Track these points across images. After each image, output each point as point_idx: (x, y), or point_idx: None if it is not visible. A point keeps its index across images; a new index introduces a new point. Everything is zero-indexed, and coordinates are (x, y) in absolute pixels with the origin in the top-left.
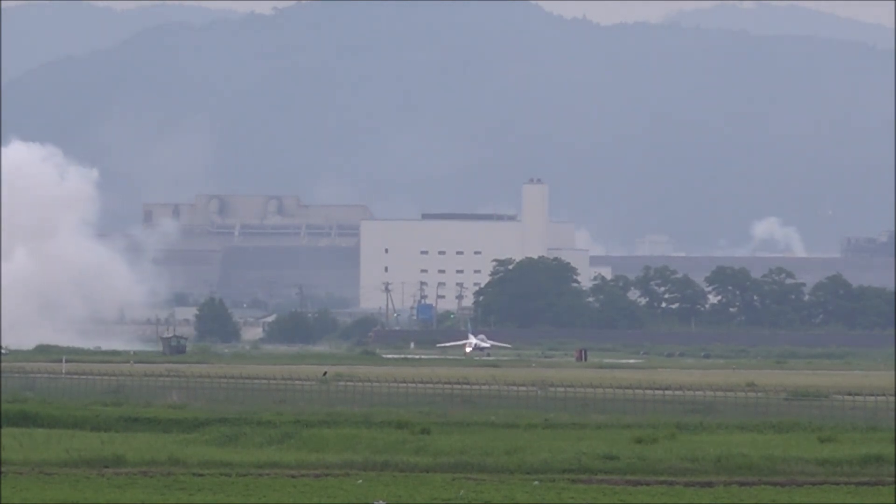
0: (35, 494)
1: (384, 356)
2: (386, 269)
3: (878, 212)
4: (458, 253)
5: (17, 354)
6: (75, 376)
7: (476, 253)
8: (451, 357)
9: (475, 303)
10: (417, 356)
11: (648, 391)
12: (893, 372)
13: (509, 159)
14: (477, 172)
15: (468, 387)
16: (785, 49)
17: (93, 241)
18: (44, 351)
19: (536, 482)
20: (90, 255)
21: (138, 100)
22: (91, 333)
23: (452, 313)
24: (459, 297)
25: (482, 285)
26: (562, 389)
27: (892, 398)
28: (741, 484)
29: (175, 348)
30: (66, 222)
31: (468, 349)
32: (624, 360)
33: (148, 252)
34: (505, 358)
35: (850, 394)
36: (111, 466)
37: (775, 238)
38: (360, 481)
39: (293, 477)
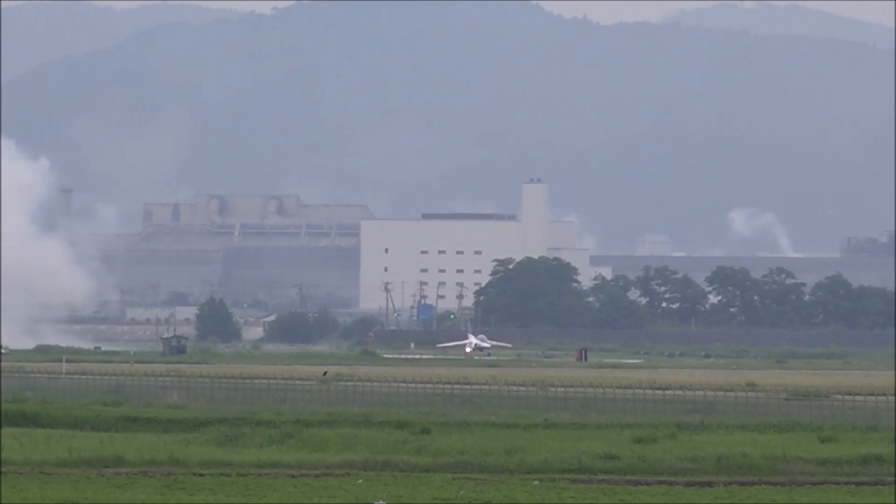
0: (35, 494)
1: (384, 356)
2: (386, 269)
3: (878, 212)
4: (458, 253)
5: (17, 354)
6: (75, 376)
7: (476, 253)
8: (451, 357)
9: (475, 303)
10: (417, 356)
11: (648, 391)
12: (893, 372)
13: (509, 159)
14: (477, 172)
15: (468, 387)
16: (785, 49)
17: (35, 235)
18: (44, 351)
19: (536, 482)
20: (33, 250)
21: (137, 99)
22: (35, 332)
23: (453, 313)
24: (459, 297)
25: (482, 285)
26: (562, 389)
27: (892, 398)
28: (741, 484)
29: (175, 348)
30: (8, 214)
31: (468, 349)
32: (624, 360)
33: (85, 248)
34: (505, 358)
35: (850, 394)
36: (111, 466)
37: (767, 233)
38: (360, 481)
39: (293, 477)
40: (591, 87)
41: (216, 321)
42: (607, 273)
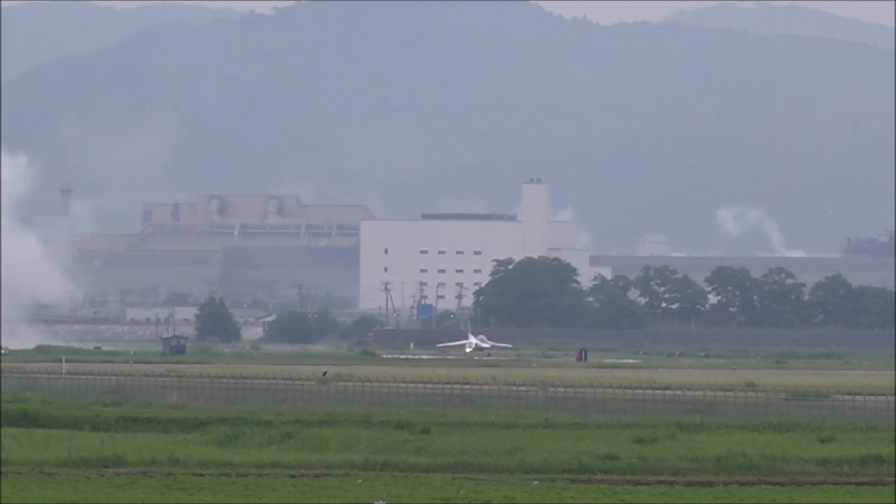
0: (35, 494)
1: (384, 356)
2: (386, 269)
3: (878, 212)
4: (458, 253)
5: (17, 354)
6: (75, 376)
7: (476, 253)
8: (451, 357)
9: (475, 303)
10: (417, 356)
11: (648, 391)
12: (893, 372)
13: (508, 159)
14: (477, 172)
15: (468, 387)
16: (785, 49)
17: (31, 234)
18: (44, 351)
19: (536, 482)
20: (28, 249)
21: (137, 99)
22: (34, 332)
23: (452, 313)
24: (459, 297)
25: (482, 285)
26: (562, 389)
27: (892, 398)
28: (741, 484)
29: (175, 348)
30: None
31: (468, 349)
32: (624, 360)
33: (84, 248)
34: (505, 358)
35: (850, 394)
36: (111, 466)
37: (765, 232)
38: (360, 481)
39: (293, 477)
40: (591, 87)
41: (216, 321)
42: (607, 273)
